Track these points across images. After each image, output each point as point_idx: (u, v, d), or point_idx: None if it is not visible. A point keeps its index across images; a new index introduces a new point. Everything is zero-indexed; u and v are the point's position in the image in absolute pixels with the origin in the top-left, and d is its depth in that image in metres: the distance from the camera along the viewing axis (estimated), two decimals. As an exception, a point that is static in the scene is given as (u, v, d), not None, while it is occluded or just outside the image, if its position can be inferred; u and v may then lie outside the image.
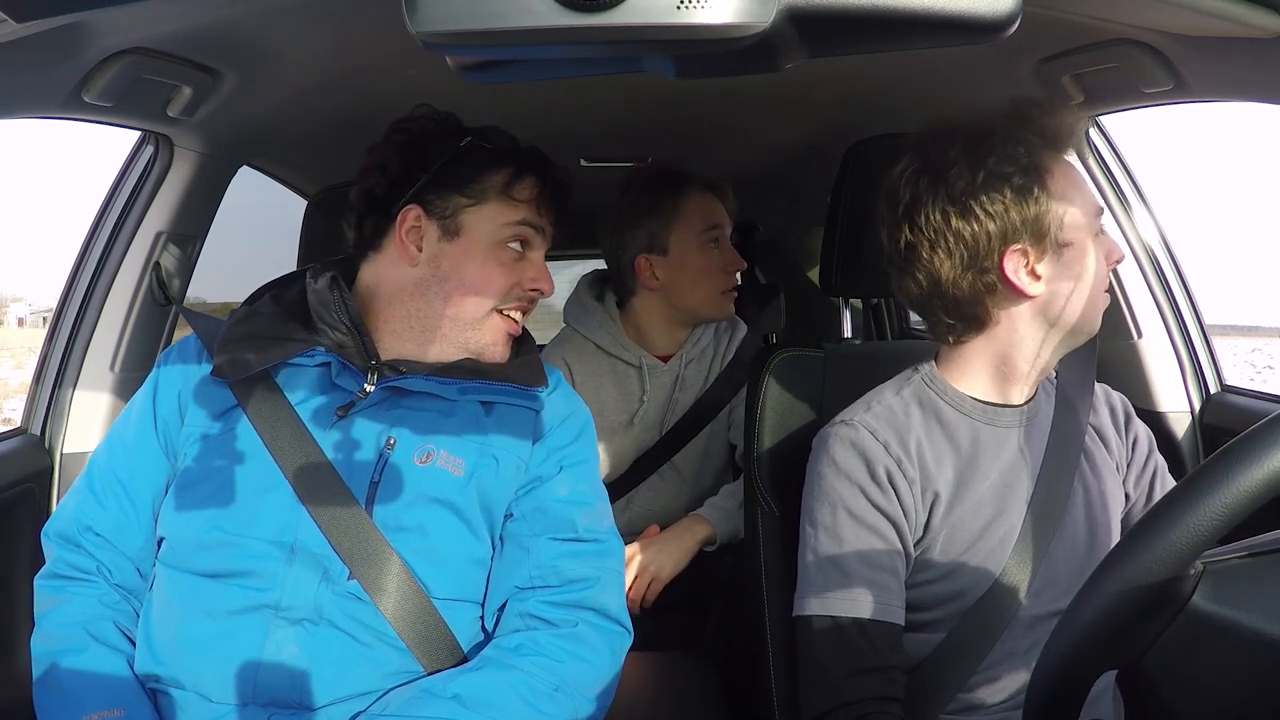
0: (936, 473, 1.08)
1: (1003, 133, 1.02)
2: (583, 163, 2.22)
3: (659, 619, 1.47)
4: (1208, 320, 1.64)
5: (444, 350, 1.15)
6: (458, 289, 1.14)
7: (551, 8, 0.47)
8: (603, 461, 1.67)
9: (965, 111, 1.05)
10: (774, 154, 2.26)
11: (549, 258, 1.19)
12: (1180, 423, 1.58)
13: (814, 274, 3.12)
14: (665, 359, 1.76)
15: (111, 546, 1.10)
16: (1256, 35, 0.91)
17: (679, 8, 0.47)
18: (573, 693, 1.03)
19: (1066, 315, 1.06)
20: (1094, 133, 1.55)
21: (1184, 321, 1.60)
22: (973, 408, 1.11)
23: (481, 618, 1.11)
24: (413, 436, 1.09)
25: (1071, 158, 1.06)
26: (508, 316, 1.16)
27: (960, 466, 1.09)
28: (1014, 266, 1.02)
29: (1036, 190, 1.01)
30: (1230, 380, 1.60)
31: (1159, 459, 1.21)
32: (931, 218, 1.03)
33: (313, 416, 1.09)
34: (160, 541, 1.10)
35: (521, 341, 1.22)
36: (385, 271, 1.17)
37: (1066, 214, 1.02)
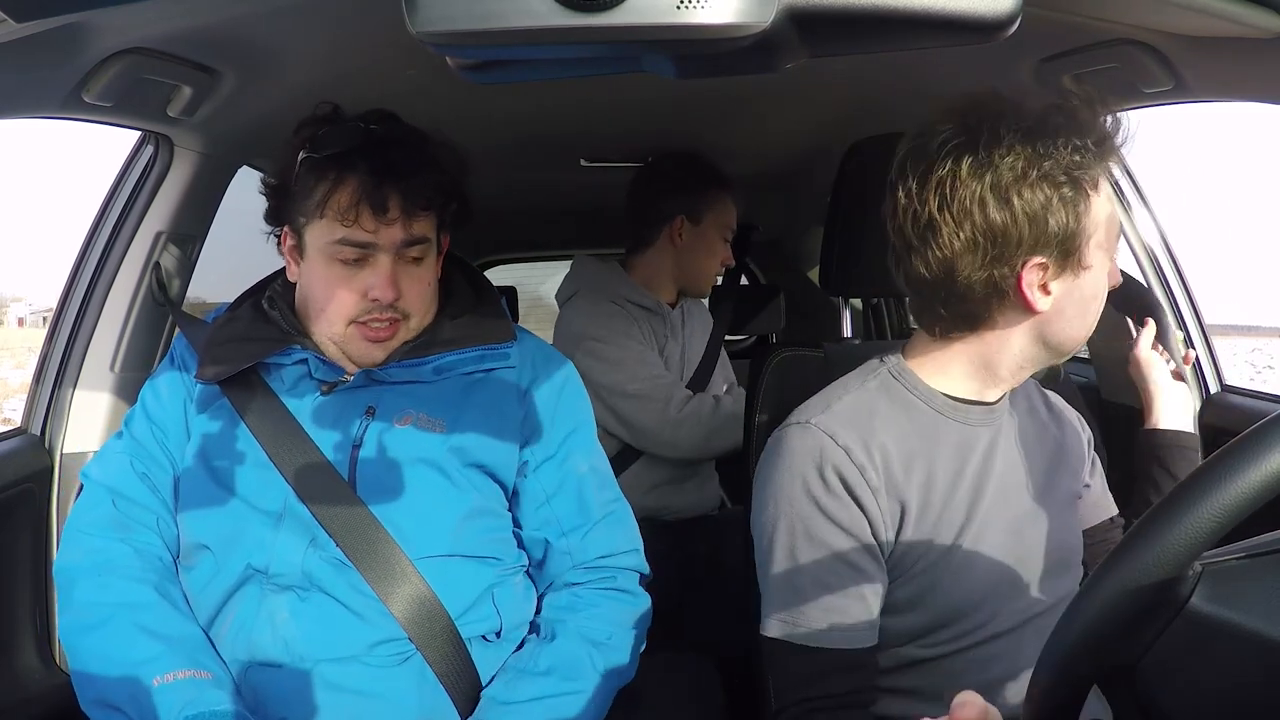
0: (904, 478, 1.01)
1: (1064, 132, 0.93)
2: (583, 163, 2.23)
3: (658, 619, 1.47)
4: (1208, 320, 1.64)
5: (339, 356, 1.16)
6: (314, 305, 1.15)
7: (551, 8, 0.47)
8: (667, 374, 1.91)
9: (1000, 92, 0.97)
10: (774, 154, 2.27)
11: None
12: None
13: (814, 274, 3.12)
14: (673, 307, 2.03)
15: (149, 524, 1.13)
16: (1256, 35, 0.91)
17: (679, 7, 0.47)
18: (622, 634, 1.15)
19: (1060, 337, 1.00)
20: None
21: (1184, 322, 1.60)
22: (944, 404, 1.05)
23: (488, 576, 1.12)
24: (393, 403, 1.13)
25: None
26: (368, 326, 1.13)
27: (929, 467, 1.02)
28: (1030, 279, 0.95)
29: (1081, 205, 0.94)
30: (1231, 380, 1.60)
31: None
32: (966, 200, 0.93)
33: (298, 402, 1.13)
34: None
35: (480, 297, 1.24)
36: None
37: (1095, 237, 0.96)
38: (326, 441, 1.11)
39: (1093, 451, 1.22)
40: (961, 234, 0.94)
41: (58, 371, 1.56)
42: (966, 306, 0.99)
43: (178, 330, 1.28)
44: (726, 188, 1.98)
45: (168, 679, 0.99)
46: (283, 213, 1.17)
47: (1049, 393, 1.22)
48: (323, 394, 1.13)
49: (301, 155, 1.12)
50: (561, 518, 1.16)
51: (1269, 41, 0.91)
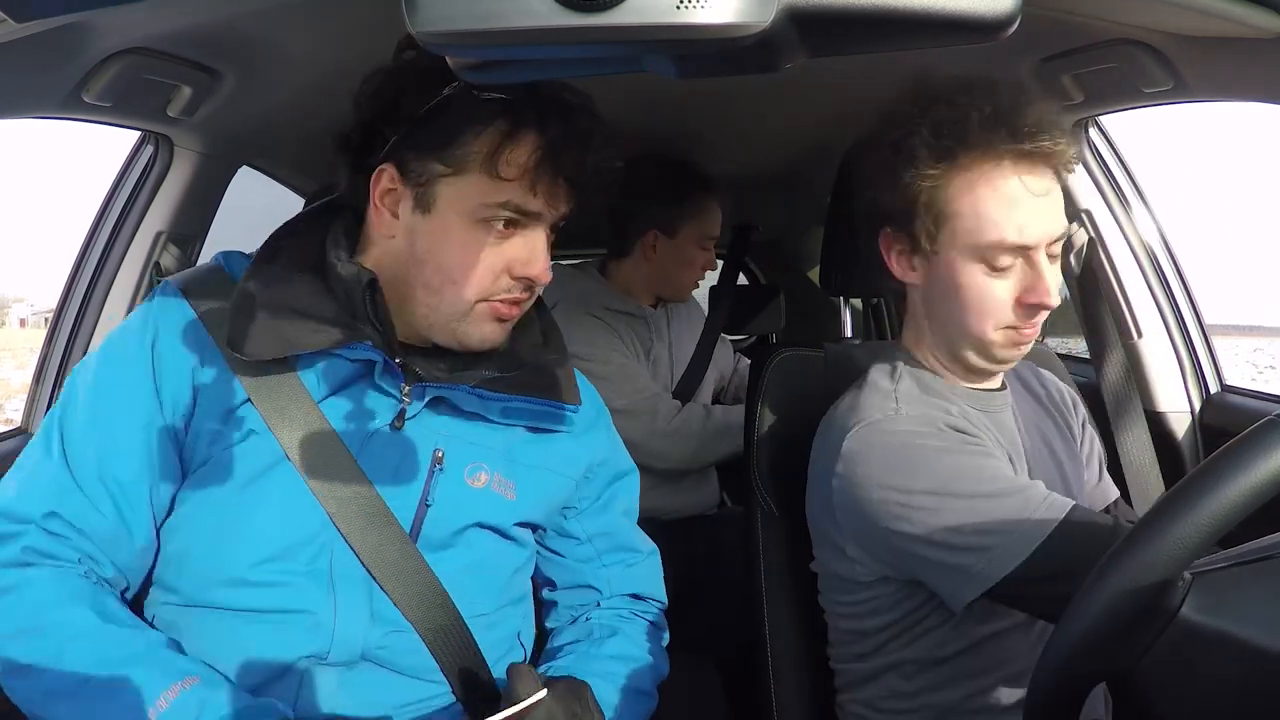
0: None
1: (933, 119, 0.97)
2: (583, 162, 2.22)
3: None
4: (1208, 320, 1.64)
5: (441, 340, 0.99)
6: (435, 274, 0.94)
7: (551, 8, 0.47)
8: (653, 385, 1.89)
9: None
10: (774, 154, 2.26)
11: (552, 258, 1.01)
12: (1180, 423, 1.58)
13: (814, 274, 3.12)
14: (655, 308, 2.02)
15: (99, 549, 0.89)
16: (1256, 35, 0.91)
17: (679, 7, 0.47)
18: (661, 654, 1.14)
19: (950, 329, 1.04)
20: (1094, 132, 1.55)
21: (1184, 322, 1.60)
22: (964, 393, 1.08)
23: (518, 617, 1.09)
24: (462, 451, 0.97)
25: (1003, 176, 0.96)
26: (498, 303, 0.97)
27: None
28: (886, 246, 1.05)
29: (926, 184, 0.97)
30: (1231, 380, 1.60)
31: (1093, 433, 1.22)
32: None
33: (346, 420, 0.93)
34: (155, 556, 0.93)
35: (547, 339, 1.09)
36: (373, 237, 0.98)
37: (953, 226, 0.97)
38: (387, 485, 0.92)
39: (1090, 429, 1.22)
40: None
41: (58, 372, 1.56)
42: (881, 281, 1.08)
43: (161, 283, 0.98)
44: (705, 194, 1.92)
45: (161, 706, 0.80)
46: (382, 146, 0.93)
47: (1043, 372, 1.23)
48: (393, 429, 0.94)
49: (452, 87, 0.89)
50: (603, 553, 1.14)
51: (1269, 41, 0.91)
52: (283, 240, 0.99)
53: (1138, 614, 0.60)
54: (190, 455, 0.92)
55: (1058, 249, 0.99)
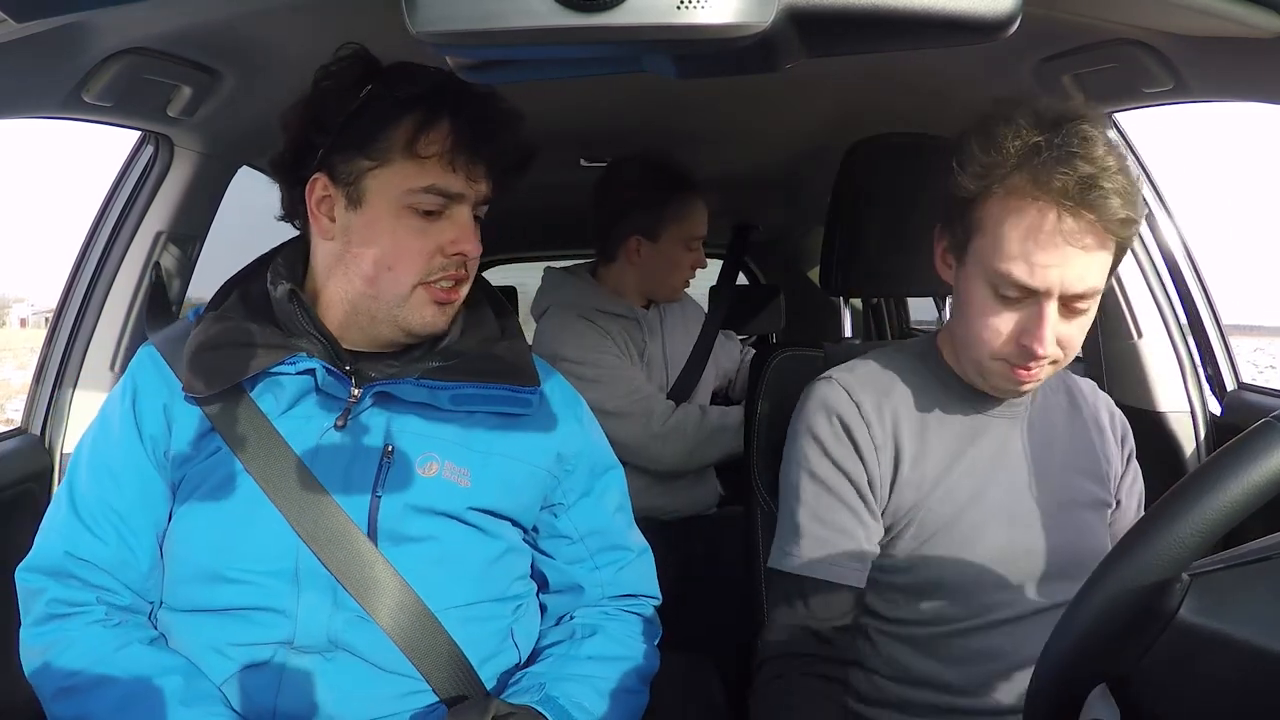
0: (906, 444, 1.08)
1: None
2: (583, 162, 2.22)
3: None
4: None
5: (388, 332, 1.04)
6: (371, 264, 1.00)
7: (551, 8, 0.47)
8: (646, 387, 1.86)
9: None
10: (774, 154, 2.26)
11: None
12: (1181, 423, 1.58)
13: (814, 274, 3.12)
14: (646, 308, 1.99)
15: (110, 576, 1.00)
16: (1256, 35, 0.91)
17: (679, 7, 0.47)
18: (652, 652, 1.14)
19: (959, 340, 1.06)
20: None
21: (1199, 320, 1.57)
22: (957, 388, 1.10)
23: (506, 614, 1.08)
24: (412, 443, 1.02)
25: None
26: (436, 287, 1.02)
27: (932, 441, 1.08)
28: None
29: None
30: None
31: (1135, 468, 1.20)
32: None
33: (298, 430, 1.00)
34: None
35: (504, 327, 1.13)
36: (315, 248, 1.06)
37: (983, 240, 0.99)
38: (338, 485, 0.99)
39: (1132, 462, 1.19)
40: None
41: (58, 372, 1.56)
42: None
43: (147, 340, 1.11)
44: (688, 194, 1.88)
45: None
46: (310, 158, 1.01)
47: (1085, 388, 1.20)
48: (336, 428, 1.00)
49: (368, 90, 0.99)
50: (595, 554, 1.14)
51: (1269, 41, 0.91)
52: (234, 285, 1.10)
53: (1136, 616, 0.60)
54: (172, 478, 1.03)
55: (1085, 305, 0.97)
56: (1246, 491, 0.57)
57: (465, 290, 1.06)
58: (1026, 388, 1.04)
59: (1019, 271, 0.95)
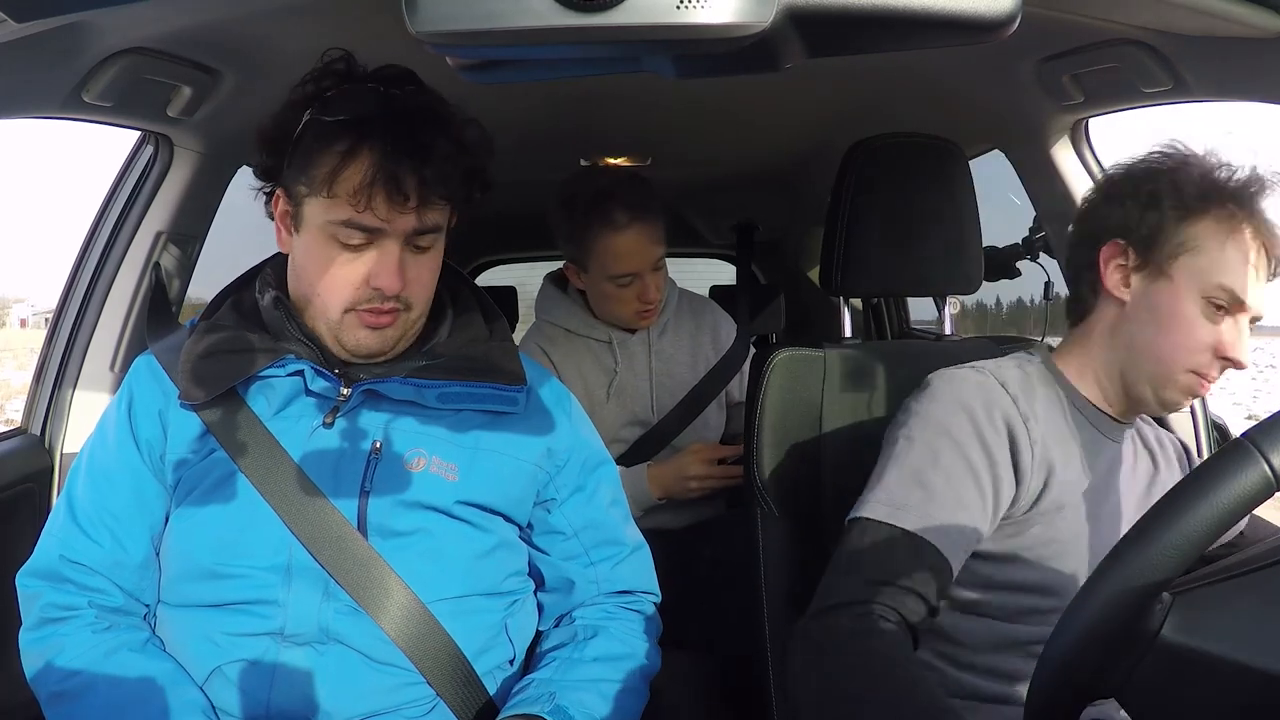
0: (1058, 455, 1.07)
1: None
2: (583, 162, 2.23)
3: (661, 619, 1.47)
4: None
5: (334, 346, 1.06)
6: (309, 286, 1.03)
7: (551, 8, 0.47)
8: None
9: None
10: (774, 154, 2.26)
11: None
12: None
13: (814, 274, 3.12)
14: (633, 332, 1.84)
15: (103, 577, 1.03)
16: (1256, 35, 0.91)
17: (679, 7, 0.47)
18: (654, 650, 1.15)
19: (1138, 345, 1.07)
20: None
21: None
22: (1082, 403, 1.12)
23: (500, 610, 1.09)
24: (401, 439, 1.04)
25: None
26: (364, 313, 1.02)
27: (1063, 454, 1.08)
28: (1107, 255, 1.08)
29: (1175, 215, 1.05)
30: (1231, 380, 1.59)
31: None
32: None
33: (290, 429, 1.03)
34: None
35: (492, 329, 1.14)
36: (287, 259, 1.09)
37: (1190, 259, 1.04)
38: (329, 482, 1.01)
39: None
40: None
41: (58, 372, 1.56)
42: (1075, 290, 1.13)
43: (146, 348, 1.14)
44: (604, 231, 1.66)
45: None
46: (276, 172, 1.04)
47: (1163, 432, 1.25)
48: (325, 426, 1.03)
49: (308, 115, 0.99)
50: (590, 549, 1.14)
51: (1269, 41, 0.91)
52: (226, 295, 1.13)
53: (1117, 638, 0.60)
54: (169, 480, 1.05)
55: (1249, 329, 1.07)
56: (1219, 513, 0.58)
57: (405, 319, 1.05)
58: (1190, 401, 1.10)
59: (1238, 285, 1.03)
